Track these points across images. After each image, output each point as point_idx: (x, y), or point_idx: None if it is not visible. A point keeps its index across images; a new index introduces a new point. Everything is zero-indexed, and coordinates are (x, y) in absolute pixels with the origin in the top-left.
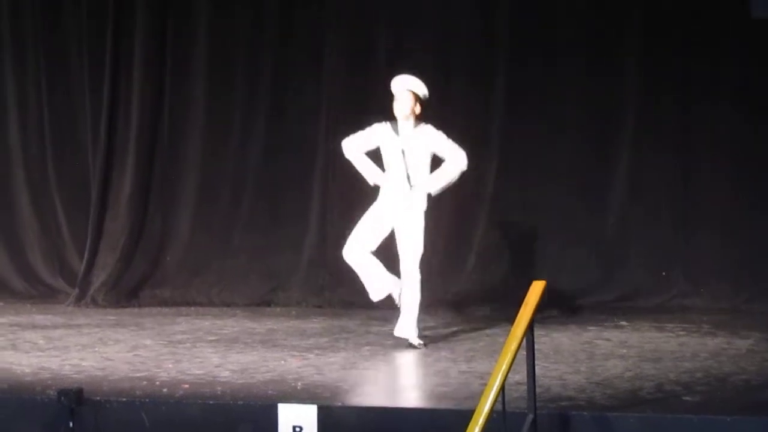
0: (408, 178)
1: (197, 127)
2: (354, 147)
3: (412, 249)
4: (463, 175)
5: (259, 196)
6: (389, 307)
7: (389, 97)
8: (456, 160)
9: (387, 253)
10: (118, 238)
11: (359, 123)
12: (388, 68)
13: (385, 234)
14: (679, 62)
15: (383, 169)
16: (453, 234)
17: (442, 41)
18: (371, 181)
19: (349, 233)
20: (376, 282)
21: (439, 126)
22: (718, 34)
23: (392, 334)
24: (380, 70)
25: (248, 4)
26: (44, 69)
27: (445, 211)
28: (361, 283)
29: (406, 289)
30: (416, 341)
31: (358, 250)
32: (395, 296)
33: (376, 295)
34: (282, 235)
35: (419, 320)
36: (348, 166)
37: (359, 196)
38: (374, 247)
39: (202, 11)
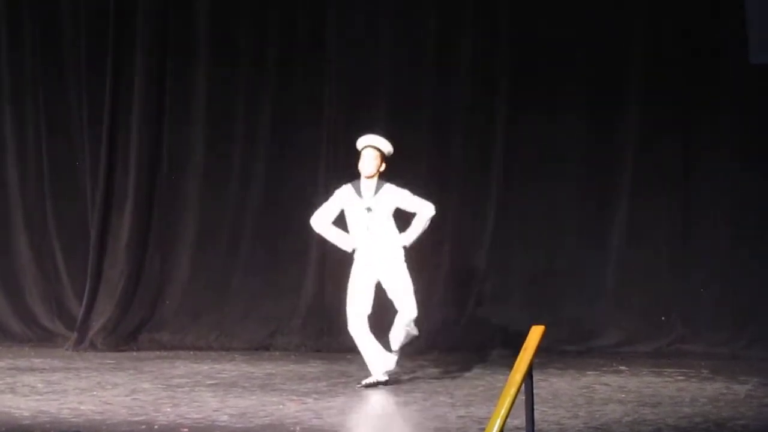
0: (375, 236)
1: (196, 171)
2: (322, 221)
3: (404, 290)
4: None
5: (258, 241)
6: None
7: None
8: (424, 211)
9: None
10: (117, 281)
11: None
12: (387, 116)
13: (373, 289)
14: (678, 110)
15: (347, 230)
16: (452, 279)
17: (442, 93)
18: (347, 248)
19: (348, 278)
20: (379, 358)
21: (438, 175)
22: (718, 82)
23: (391, 377)
24: (379, 117)
25: (248, 50)
26: (43, 112)
27: (445, 257)
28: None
29: (402, 325)
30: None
31: (360, 323)
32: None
33: (379, 371)
34: (281, 280)
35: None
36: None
37: None
38: (370, 309)
39: (202, 56)
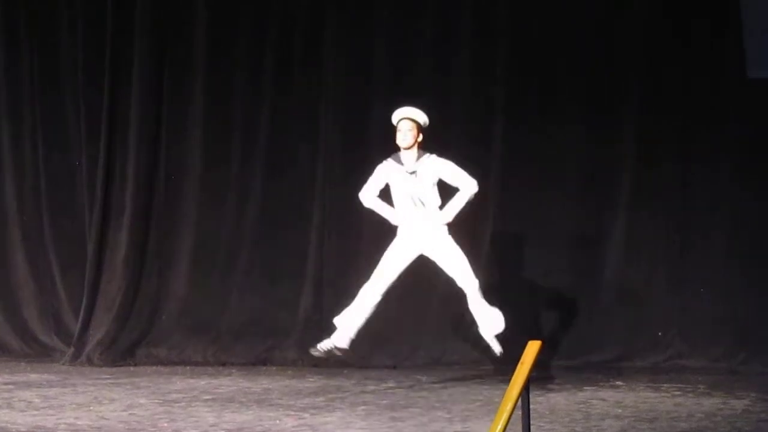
0: (421, 203)
1: (193, 186)
2: (369, 195)
3: (459, 264)
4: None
5: (255, 255)
6: (386, 367)
7: (388, 155)
8: (467, 187)
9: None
10: (114, 296)
11: (355, 184)
12: (384, 130)
13: (406, 267)
14: (676, 125)
15: (392, 204)
16: (449, 293)
17: (439, 103)
18: (394, 222)
19: (345, 293)
20: (349, 328)
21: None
22: (716, 96)
23: (388, 392)
24: (376, 132)
25: (244, 61)
26: (40, 126)
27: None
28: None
29: (474, 298)
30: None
31: (378, 291)
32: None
33: (339, 341)
34: (278, 294)
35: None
36: (344, 225)
37: (355, 254)
38: (391, 284)
39: (200, 71)
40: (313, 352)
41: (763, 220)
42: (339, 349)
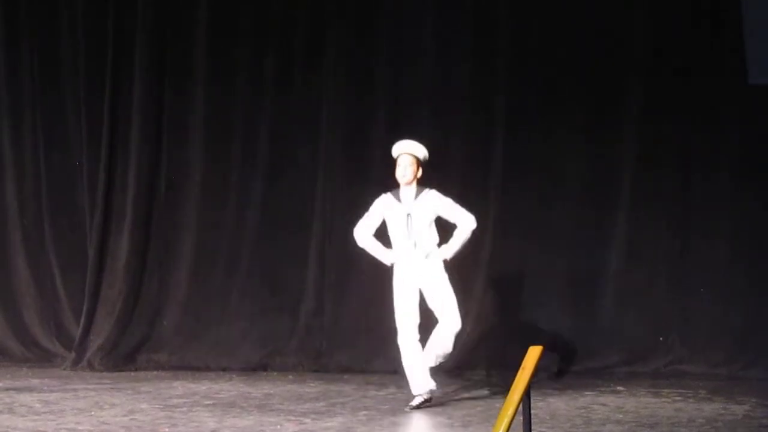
0: (416, 243)
1: (194, 191)
2: (363, 233)
3: (447, 301)
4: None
5: (256, 261)
6: (387, 372)
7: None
8: (466, 224)
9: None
10: (115, 301)
11: (357, 189)
12: (387, 134)
13: (418, 297)
14: (678, 129)
15: (389, 239)
16: None
17: (440, 106)
18: (387, 262)
19: (346, 298)
20: (420, 378)
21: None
22: (717, 101)
23: (389, 397)
24: (378, 137)
25: (246, 68)
26: (41, 130)
27: None
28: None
29: (448, 334)
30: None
31: (411, 337)
32: (422, 398)
33: (418, 389)
34: (278, 300)
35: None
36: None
37: (355, 261)
38: (419, 318)
39: (201, 74)
40: (409, 410)
41: (764, 224)
42: (429, 392)
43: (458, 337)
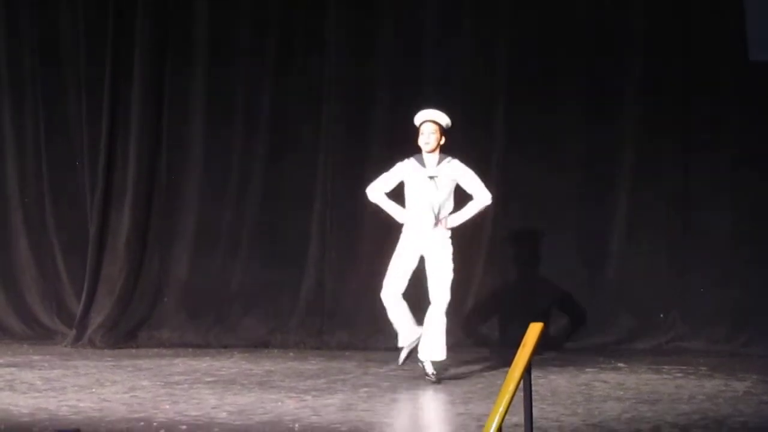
0: (434, 208)
1: (195, 169)
2: (378, 190)
3: (444, 276)
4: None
5: (257, 239)
6: (388, 349)
7: (391, 141)
8: (482, 198)
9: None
10: (116, 279)
11: (358, 168)
12: (387, 114)
13: (414, 268)
14: (678, 108)
15: (404, 204)
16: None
17: (441, 88)
18: (400, 220)
19: (347, 276)
20: (406, 329)
21: None
22: (718, 80)
23: (390, 374)
24: (379, 116)
25: (246, 48)
26: (42, 110)
27: None
28: (359, 324)
29: (436, 312)
30: (431, 370)
31: (393, 294)
32: (408, 348)
33: (404, 341)
34: (280, 278)
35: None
36: (346, 209)
37: (357, 239)
38: (406, 285)
39: (201, 55)
40: (400, 365)
41: (765, 202)
42: (410, 345)
43: (449, 313)
